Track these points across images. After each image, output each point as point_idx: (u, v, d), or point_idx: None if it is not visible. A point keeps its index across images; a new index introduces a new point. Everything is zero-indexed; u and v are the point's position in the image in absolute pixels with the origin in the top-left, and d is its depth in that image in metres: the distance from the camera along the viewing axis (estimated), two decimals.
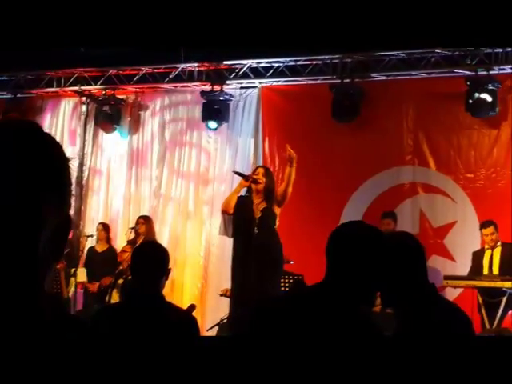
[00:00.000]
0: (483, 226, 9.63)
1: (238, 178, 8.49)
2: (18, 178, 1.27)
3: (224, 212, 8.11)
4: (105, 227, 11.39)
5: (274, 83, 11.67)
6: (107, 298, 9.85)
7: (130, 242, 10.59)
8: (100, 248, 11.17)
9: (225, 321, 9.00)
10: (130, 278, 9.77)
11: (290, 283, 9.09)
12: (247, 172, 9.11)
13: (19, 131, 1.34)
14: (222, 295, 9.50)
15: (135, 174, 12.46)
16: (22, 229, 1.26)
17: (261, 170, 8.18)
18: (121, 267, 10.12)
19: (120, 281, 10.09)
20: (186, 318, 4.45)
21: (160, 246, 4.83)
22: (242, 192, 8.15)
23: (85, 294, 10.87)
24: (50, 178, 1.31)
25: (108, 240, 11.28)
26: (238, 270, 7.91)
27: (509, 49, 10.20)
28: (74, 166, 1.39)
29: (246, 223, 7.86)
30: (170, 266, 4.60)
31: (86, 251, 11.19)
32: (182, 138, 12.22)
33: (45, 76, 12.68)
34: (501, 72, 10.34)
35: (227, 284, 8.59)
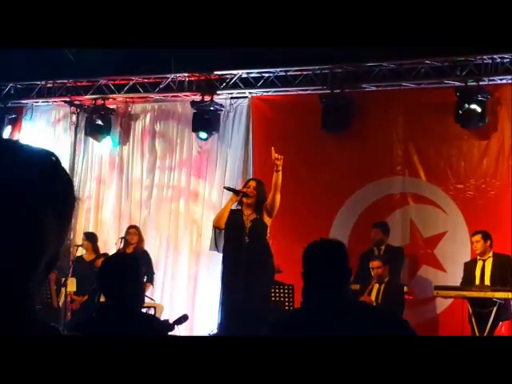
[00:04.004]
0: (472, 234, 9.71)
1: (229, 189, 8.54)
2: (24, 201, 1.27)
3: (216, 227, 8.07)
4: (88, 237, 11.32)
5: (265, 93, 11.69)
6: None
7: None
8: (88, 257, 11.12)
9: (214, 332, 8.97)
10: None
11: (280, 293, 9.08)
12: (238, 184, 9.11)
13: (33, 156, 1.33)
14: None
15: (125, 183, 12.45)
16: (26, 254, 1.27)
17: (252, 184, 8.12)
18: None
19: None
20: (158, 328, 4.38)
21: (126, 259, 4.65)
22: (233, 206, 8.13)
23: (74, 304, 10.82)
24: (55, 203, 1.31)
25: (96, 249, 11.21)
26: (228, 281, 7.89)
27: (498, 60, 10.25)
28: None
29: (237, 234, 7.84)
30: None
31: (74, 260, 11.14)
32: (172, 147, 12.22)
33: (35, 86, 12.67)
34: (490, 83, 10.39)
35: (217, 294, 8.58)
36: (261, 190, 8.01)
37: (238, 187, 9.00)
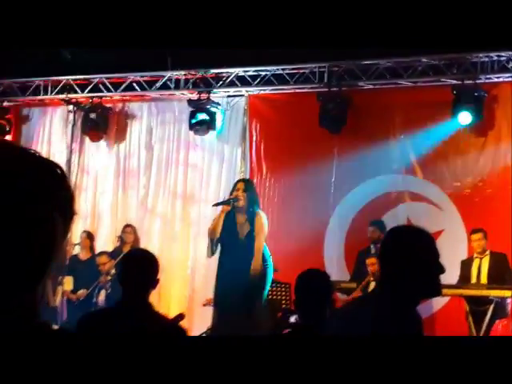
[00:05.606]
0: (472, 232, 9.69)
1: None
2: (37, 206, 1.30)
3: (212, 238, 8.04)
4: (89, 235, 11.34)
5: (261, 91, 11.67)
6: (93, 309, 9.81)
7: (113, 252, 10.58)
8: (83, 256, 11.11)
9: (209, 331, 8.96)
10: (109, 291, 9.80)
11: (277, 291, 9.09)
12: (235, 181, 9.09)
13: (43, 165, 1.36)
14: (205, 305, 9.51)
15: (122, 182, 12.41)
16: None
17: (241, 186, 8.11)
18: (102, 279, 10.14)
19: (102, 292, 10.11)
20: (173, 329, 4.38)
21: (152, 254, 4.72)
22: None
23: (70, 303, 10.80)
24: (64, 206, 1.35)
25: (92, 248, 11.22)
26: (223, 280, 7.87)
27: (495, 58, 10.25)
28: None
29: (232, 236, 7.84)
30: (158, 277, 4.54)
31: (68, 259, 11.11)
32: (169, 146, 12.20)
33: (31, 84, 12.64)
34: (487, 81, 10.39)
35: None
36: (250, 190, 8.01)
37: None
